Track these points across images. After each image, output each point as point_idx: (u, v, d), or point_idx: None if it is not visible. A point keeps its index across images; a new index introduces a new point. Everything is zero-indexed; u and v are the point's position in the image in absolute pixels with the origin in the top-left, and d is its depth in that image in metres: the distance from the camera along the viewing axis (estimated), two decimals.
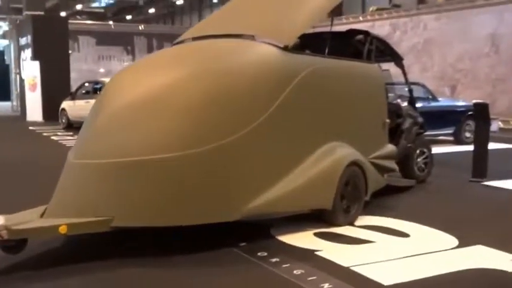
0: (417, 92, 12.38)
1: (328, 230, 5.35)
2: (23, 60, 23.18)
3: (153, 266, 4.32)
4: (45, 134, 16.30)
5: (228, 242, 4.86)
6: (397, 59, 7.75)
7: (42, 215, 4.50)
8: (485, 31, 16.80)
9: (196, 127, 4.53)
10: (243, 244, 4.83)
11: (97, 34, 26.42)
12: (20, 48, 24.11)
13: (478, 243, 5.01)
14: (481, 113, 8.09)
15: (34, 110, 20.95)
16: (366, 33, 6.87)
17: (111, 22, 32.31)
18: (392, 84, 13.21)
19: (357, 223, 5.65)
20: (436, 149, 11.56)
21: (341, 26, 22.18)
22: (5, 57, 31.38)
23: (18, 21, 25.09)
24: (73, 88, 19.35)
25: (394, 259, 4.56)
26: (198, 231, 4.72)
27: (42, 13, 22.24)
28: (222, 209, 4.61)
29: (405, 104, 7.78)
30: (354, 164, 5.68)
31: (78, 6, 40.21)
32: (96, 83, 16.66)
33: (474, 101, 8.82)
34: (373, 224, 5.62)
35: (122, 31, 26.82)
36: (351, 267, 4.31)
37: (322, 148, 5.39)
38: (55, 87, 20.25)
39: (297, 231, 5.24)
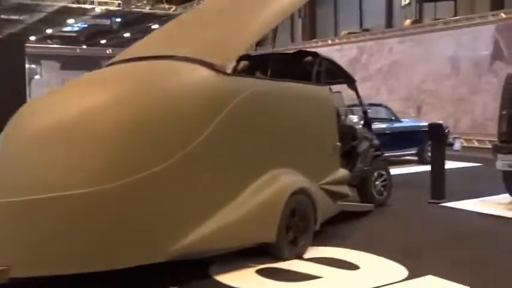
0: (380, 113, 12.06)
1: (273, 265, 4.83)
2: None
3: None
4: None
5: (157, 285, 4.32)
6: (350, 81, 7.33)
7: None
8: (446, 53, 16.60)
9: (110, 159, 3.95)
10: None
11: (61, 58, 25.29)
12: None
13: (429, 273, 4.57)
14: (436, 133, 7.69)
15: None
16: (314, 54, 6.45)
17: (77, 46, 31.28)
18: (354, 105, 12.93)
19: (306, 255, 5.15)
20: (399, 170, 11.24)
21: (311, 49, 21.96)
22: None
23: None
24: None
25: None
26: (125, 272, 4.16)
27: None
28: (144, 250, 4.02)
29: (360, 126, 7.34)
30: (301, 192, 5.19)
31: (49, 31, 38.68)
32: None
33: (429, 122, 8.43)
34: (322, 256, 5.14)
35: (88, 55, 25.84)
36: None
37: (263, 177, 4.89)
38: (11, 113, 19.26)
39: (238, 269, 4.70)
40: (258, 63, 6.81)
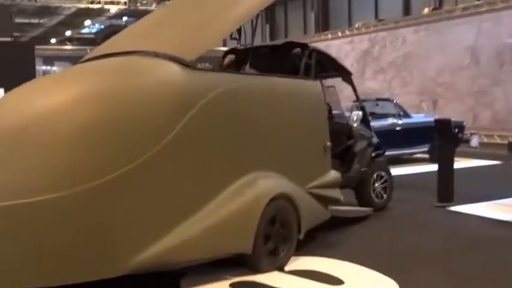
0: (388, 108, 11.63)
1: (250, 278, 4.49)
2: None
3: None
4: None
5: None
6: (345, 74, 6.91)
7: None
8: (464, 42, 16.02)
9: (64, 165, 3.68)
10: None
11: (74, 59, 25.58)
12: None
13: None
14: (443, 130, 7.25)
15: None
16: (303, 46, 6.05)
17: (88, 47, 31.78)
18: (364, 100, 12.49)
19: (287, 267, 4.78)
20: (408, 169, 10.80)
21: (321, 42, 21.53)
22: None
23: None
24: None
25: None
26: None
27: (8, 39, 21.54)
28: (99, 263, 3.73)
29: (356, 123, 6.93)
30: (282, 197, 4.82)
31: (68, 33, 39.77)
32: None
33: (436, 117, 8.00)
34: (305, 268, 4.76)
35: (99, 55, 25.94)
36: None
37: (239, 181, 4.54)
38: None
39: (211, 281, 4.38)
40: (245, 57, 6.47)
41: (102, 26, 40.03)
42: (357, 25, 22.17)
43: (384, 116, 11.54)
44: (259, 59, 6.48)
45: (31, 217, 3.58)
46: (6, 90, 19.75)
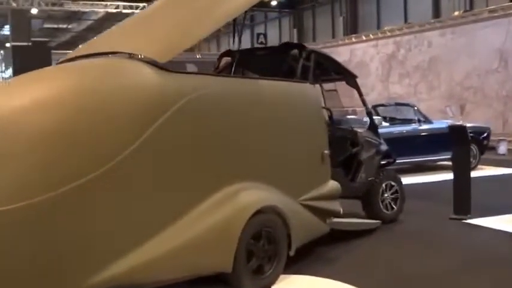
0: (407, 113, 11.03)
1: None
2: None
3: None
4: None
5: None
6: (349, 77, 6.37)
7: None
8: (493, 45, 15.20)
9: (11, 176, 3.28)
10: None
11: None
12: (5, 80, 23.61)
13: None
14: (458, 137, 6.64)
15: None
16: (301, 47, 5.56)
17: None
18: (382, 105, 11.91)
19: (274, 286, 4.30)
20: (426, 178, 10.15)
21: (345, 46, 20.93)
22: None
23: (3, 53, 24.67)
24: None
25: None
26: None
27: (26, 44, 21.56)
28: (48, 284, 3.32)
29: (362, 130, 6.38)
30: (268, 210, 4.36)
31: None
32: None
33: (450, 123, 7.39)
34: None
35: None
36: None
37: (218, 194, 4.09)
38: None
39: None
40: (242, 59, 6.04)
41: None
42: (385, 28, 21.58)
43: (404, 121, 10.94)
44: (255, 61, 6.04)
45: None
46: None
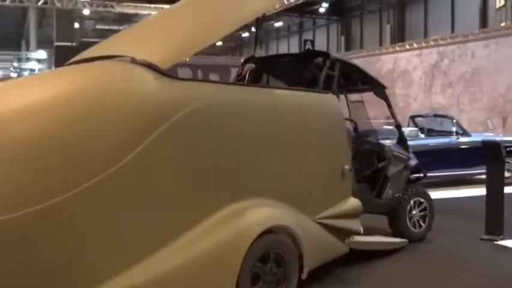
0: (446, 125, 10.46)
1: None
2: None
3: None
4: None
5: None
6: (377, 88, 5.96)
7: None
8: None
9: None
10: None
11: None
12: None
13: None
14: (492, 153, 6.14)
15: None
16: (325, 55, 5.21)
17: None
18: (420, 116, 11.38)
19: None
20: (463, 192, 9.56)
21: (387, 55, 20.27)
22: None
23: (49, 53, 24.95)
24: None
25: None
26: None
27: (69, 44, 21.66)
28: None
29: (389, 142, 5.96)
30: (277, 230, 3.98)
31: None
32: None
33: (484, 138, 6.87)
34: None
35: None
36: None
37: (222, 212, 3.71)
38: None
39: None
40: (265, 66, 5.74)
41: None
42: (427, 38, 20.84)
43: (441, 133, 10.38)
44: (279, 69, 5.73)
45: None
46: None
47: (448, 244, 6.01)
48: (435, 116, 11.14)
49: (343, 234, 4.80)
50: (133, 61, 3.56)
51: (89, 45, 5.18)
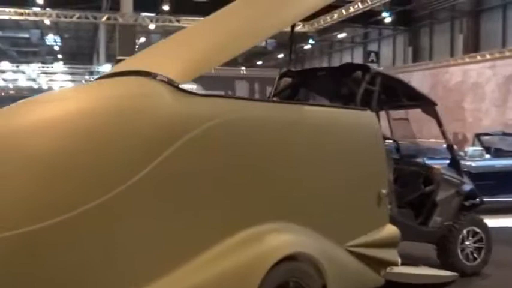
0: (504, 144, 9.56)
1: None
2: None
3: None
4: None
5: None
6: (426, 105, 5.35)
7: None
8: None
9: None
10: None
11: (197, 79, 25.32)
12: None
13: None
14: None
15: None
16: (364, 68, 4.72)
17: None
18: (487, 134, 10.48)
19: None
20: None
21: (457, 66, 19.16)
22: None
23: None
24: None
25: None
26: None
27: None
28: None
29: (438, 165, 5.34)
30: (299, 258, 3.59)
31: None
32: None
33: None
34: None
35: (223, 75, 25.76)
36: None
37: (238, 236, 3.40)
38: None
39: None
40: (302, 81, 5.33)
41: None
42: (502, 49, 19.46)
43: (510, 154, 9.47)
44: (316, 83, 5.31)
45: None
46: None
47: (506, 281, 5.30)
48: (504, 134, 10.19)
49: (377, 264, 4.28)
50: (152, 76, 3.42)
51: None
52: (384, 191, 4.34)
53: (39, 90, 36.55)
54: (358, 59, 35.01)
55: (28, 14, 24.10)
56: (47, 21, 27.54)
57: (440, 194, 5.18)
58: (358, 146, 4.29)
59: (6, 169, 2.94)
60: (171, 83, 3.33)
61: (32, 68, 39.75)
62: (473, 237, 5.40)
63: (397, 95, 5.14)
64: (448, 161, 5.72)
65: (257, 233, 3.49)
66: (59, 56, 44.27)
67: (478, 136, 10.25)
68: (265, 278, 3.33)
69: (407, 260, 4.76)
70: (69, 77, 41.37)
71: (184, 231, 3.24)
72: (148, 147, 3.13)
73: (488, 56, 17.80)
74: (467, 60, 18.75)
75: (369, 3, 21.48)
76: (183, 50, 4.00)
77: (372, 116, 4.41)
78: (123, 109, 3.20)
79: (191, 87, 25.43)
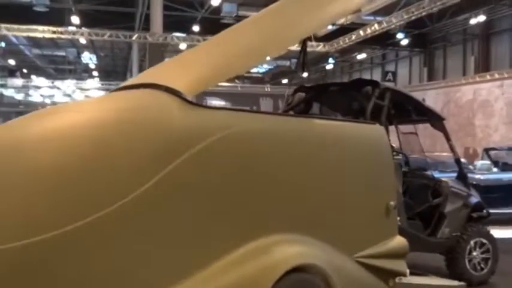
0: (511, 158, 9.39)
1: None
2: None
3: None
4: None
5: None
6: (434, 119, 5.29)
7: None
8: None
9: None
10: None
11: (224, 95, 25.17)
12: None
13: None
14: None
15: None
16: (374, 84, 4.69)
17: (237, 83, 31.29)
18: (494, 149, 10.30)
19: None
20: None
21: (467, 85, 18.92)
22: None
23: None
24: None
25: None
26: None
27: None
28: None
29: (445, 178, 5.25)
30: (308, 269, 3.46)
31: None
32: None
33: None
34: None
35: (247, 92, 25.56)
36: None
37: (245, 247, 3.27)
38: None
39: None
40: (315, 96, 5.31)
41: (271, 66, 40.17)
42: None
43: None
44: (328, 98, 5.28)
45: None
46: None
47: None
48: (510, 149, 10.00)
49: (386, 275, 4.21)
50: (160, 88, 3.30)
51: None
52: (392, 203, 4.28)
53: None
54: (376, 78, 34.80)
55: (61, 33, 24.26)
56: (82, 40, 27.74)
57: (448, 206, 5.12)
58: (367, 159, 4.23)
59: (12, 181, 2.83)
60: (179, 95, 3.21)
61: (67, 84, 40.13)
62: (480, 248, 5.34)
63: (406, 109, 5.10)
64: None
65: (265, 244, 3.36)
66: (94, 73, 44.79)
67: (486, 151, 10.10)
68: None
69: (416, 270, 4.68)
70: (102, 92, 42.07)
71: (190, 243, 3.12)
72: (155, 158, 3.01)
73: (497, 76, 17.56)
74: (477, 79, 18.53)
75: (385, 25, 21.40)
76: (194, 64, 3.94)
77: (381, 130, 4.37)
78: (129, 121, 3.09)
79: (219, 103, 25.38)
